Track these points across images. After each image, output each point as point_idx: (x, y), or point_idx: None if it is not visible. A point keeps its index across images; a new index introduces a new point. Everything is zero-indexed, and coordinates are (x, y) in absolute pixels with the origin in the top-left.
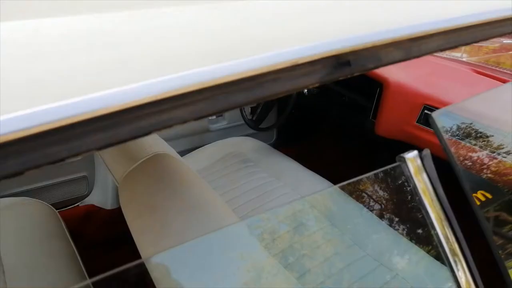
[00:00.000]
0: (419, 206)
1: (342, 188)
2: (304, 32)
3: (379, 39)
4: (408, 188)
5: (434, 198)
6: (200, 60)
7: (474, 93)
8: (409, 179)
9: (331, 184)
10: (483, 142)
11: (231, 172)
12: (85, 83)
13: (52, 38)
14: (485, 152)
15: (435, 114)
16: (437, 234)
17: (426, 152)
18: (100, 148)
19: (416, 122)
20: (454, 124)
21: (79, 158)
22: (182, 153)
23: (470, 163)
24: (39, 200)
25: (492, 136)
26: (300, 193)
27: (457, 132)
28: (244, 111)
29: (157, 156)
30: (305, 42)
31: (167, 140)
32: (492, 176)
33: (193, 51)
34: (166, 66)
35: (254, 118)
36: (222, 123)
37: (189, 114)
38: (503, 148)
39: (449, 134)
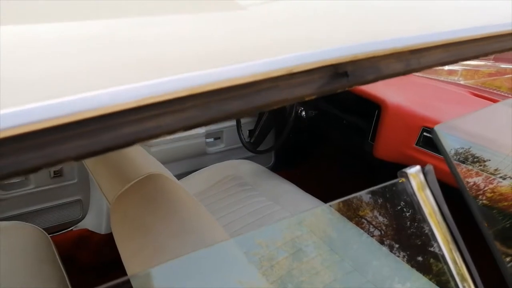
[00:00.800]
0: (423, 225)
1: (342, 212)
2: (301, 40)
3: (378, 49)
4: (411, 206)
5: (439, 217)
6: (191, 65)
7: None
8: (411, 196)
9: (329, 207)
10: (480, 167)
11: (228, 195)
12: (64, 86)
13: (35, 41)
14: (480, 178)
15: (437, 128)
16: (443, 256)
17: (429, 168)
18: (80, 157)
19: (415, 144)
20: (452, 149)
21: (56, 167)
22: (180, 176)
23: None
24: (31, 224)
25: (489, 160)
26: (297, 215)
27: (455, 157)
28: (242, 134)
29: (151, 176)
30: (301, 50)
31: (164, 163)
32: (487, 202)
33: (184, 56)
34: (155, 70)
35: (252, 141)
36: (220, 146)
37: (178, 122)
38: (499, 173)
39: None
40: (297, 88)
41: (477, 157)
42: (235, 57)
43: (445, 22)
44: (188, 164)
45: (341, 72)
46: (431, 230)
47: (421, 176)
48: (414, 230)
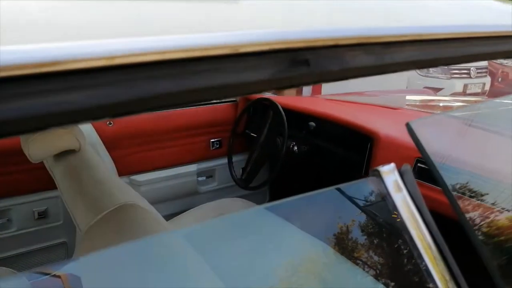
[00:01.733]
0: (401, 232)
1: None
2: (251, 17)
3: (341, 36)
4: (385, 208)
5: (421, 222)
6: (113, 31)
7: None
8: (386, 198)
9: (325, 244)
10: (478, 201)
11: None
12: None
13: None
14: (477, 213)
15: (412, 123)
16: (426, 267)
17: (406, 167)
18: None
19: None
20: (449, 185)
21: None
22: (170, 216)
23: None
24: (10, 269)
25: (487, 194)
26: (292, 255)
27: (458, 191)
28: (234, 171)
29: (125, 206)
30: (249, 28)
31: (154, 203)
32: (483, 238)
33: (106, 20)
34: (63, 32)
35: (243, 177)
36: (212, 185)
37: (90, 100)
38: (496, 206)
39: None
40: (245, 72)
41: (475, 192)
42: (172, 28)
43: (420, 17)
44: (179, 204)
45: (300, 59)
46: (410, 237)
47: (397, 175)
48: (391, 239)
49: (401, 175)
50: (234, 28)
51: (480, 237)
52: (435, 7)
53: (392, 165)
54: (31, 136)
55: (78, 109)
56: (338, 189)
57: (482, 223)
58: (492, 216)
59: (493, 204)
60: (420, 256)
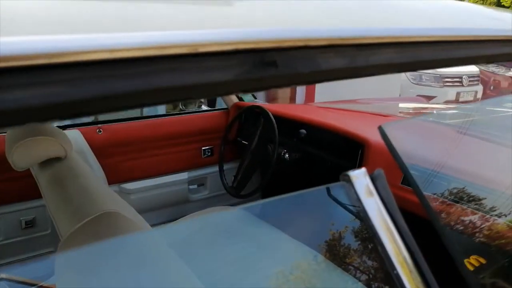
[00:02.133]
0: (373, 239)
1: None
2: (214, 16)
3: (311, 37)
4: (355, 214)
5: (393, 229)
6: (53, 29)
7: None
8: (356, 204)
9: (316, 253)
10: (476, 205)
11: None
12: None
13: None
14: (477, 216)
15: (384, 126)
16: (397, 275)
17: (379, 172)
18: None
19: (401, 183)
20: (446, 190)
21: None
22: (160, 225)
23: (462, 227)
24: None
25: (485, 198)
26: (283, 264)
27: (449, 197)
28: (225, 179)
29: (105, 214)
30: (211, 27)
31: (144, 212)
32: (485, 240)
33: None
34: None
35: (234, 185)
36: (204, 193)
37: (32, 100)
38: (495, 210)
39: (441, 200)
40: (206, 73)
41: (473, 196)
42: (124, 25)
43: (397, 19)
44: (170, 212)
45: (268, 61)
46: (382, 245)
47: (368, 180)
48: (363, 245)
49: (373, 180)
50: (193, 27)
51: (450, 235)
52: (412, 9)
53: (363, 169)
54: (15, 144)
55: (18, 108)
56: (308, 193)
57: (458, 225)
58: (462, 216)
59: (459, 202)
60: (392, 266)
